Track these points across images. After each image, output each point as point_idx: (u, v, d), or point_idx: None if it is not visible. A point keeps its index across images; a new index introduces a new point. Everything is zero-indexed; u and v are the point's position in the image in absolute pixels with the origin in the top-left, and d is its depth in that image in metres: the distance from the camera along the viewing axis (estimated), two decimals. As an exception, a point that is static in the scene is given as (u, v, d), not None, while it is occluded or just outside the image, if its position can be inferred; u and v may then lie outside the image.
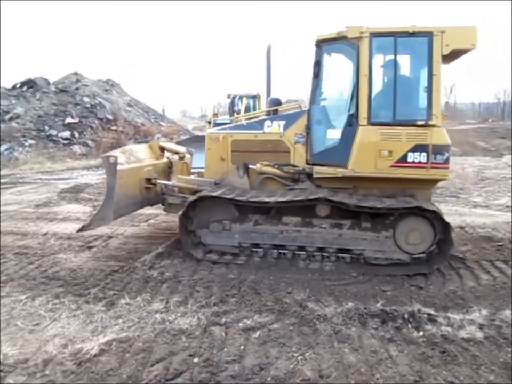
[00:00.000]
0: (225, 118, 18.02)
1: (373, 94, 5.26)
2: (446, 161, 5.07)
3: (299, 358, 3.28)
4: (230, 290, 4.52)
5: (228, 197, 5.34)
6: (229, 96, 18.94)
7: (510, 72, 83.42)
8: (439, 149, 5.07)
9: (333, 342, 3.51)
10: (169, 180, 6.44)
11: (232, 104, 18.41)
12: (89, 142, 22.19)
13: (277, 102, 6.33)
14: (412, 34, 5.10)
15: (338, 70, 5.72)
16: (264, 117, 6.17)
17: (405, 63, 5.46)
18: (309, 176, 5.64)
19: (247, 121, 6.25)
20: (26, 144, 21.85)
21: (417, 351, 3.38)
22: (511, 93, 53.02)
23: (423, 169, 5.10)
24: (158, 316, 3.93)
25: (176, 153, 6.95)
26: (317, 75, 5.45)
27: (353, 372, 3.11)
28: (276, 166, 5.73)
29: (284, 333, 3.66)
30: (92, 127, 23.88)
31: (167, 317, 3.92)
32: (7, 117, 23.76)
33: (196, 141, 15.22)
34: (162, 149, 6.72)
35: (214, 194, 5.40)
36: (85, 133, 23.31)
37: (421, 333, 3.65)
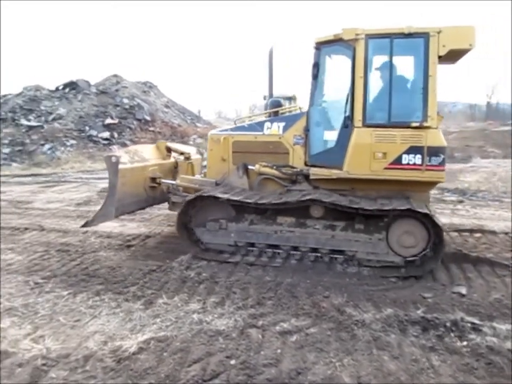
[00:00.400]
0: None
1: (368, 96, 5.28)
2: (442, 163, 5.02)
3: (337, 364, 3.23)
4: (266, 292, 4.50)
5: (222, 196, 5.43)
6: (264, 98, 18.96)
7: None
8: (434, 151, 5.01)
9: (371, 349, 3.43)
10: (175, 179, 6.54)
11: (266, 104, 18.45)
12: (128, 143, 22.64)
13: (277, 104, 6.47)
14: (408, 35, 5.07)
15: (337, 71, 5.69)
16: (264, 119, 6.24)
17: (401, 64, 5.38)
18: (306, 177, 5.67)
19: (248, 122, 6.36)
20: (68, 144, 22.53)
21: (460, 361, 3.26)
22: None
23: (418, 171, 5.06)
24: (195, 316, 3.96)
25: (182, 153, 7.08)
26: (315, 77, 5.48)
27: (393, 380, 3.03)
28: (274, 167, 5.79)
29: (321, 337, 3.61)
30: (130, 128, 24.41)
31: (204, 317, 3.94)
32: (50, 117, 24.59)
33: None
34: (169, 149, 6.85)
35: (210, 194, 5.53)
36: (123, 133, 23.85)
37: (465, 343, 3.53)
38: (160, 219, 8.06)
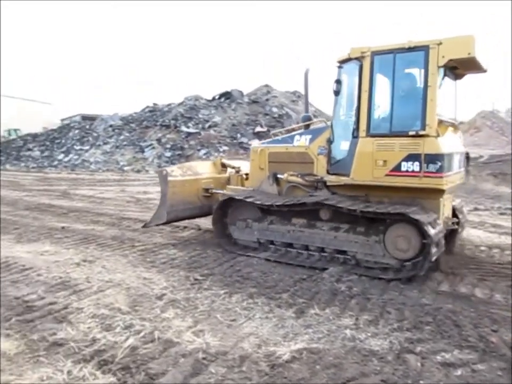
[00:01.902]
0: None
1: (372, 108, 5.58)
2: (439, 170, 5.12)
3: (512, 410, 2.84)
4: (423, 316, 4.19)
5: (243, 198, 6.36)
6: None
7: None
8: (431, 158, 5.15)
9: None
10: None
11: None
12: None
13: (308, 118, 6.98)
14: (410, 49, 5.33)
15: (353, 87, 5.93)
16: (295, 132, 6.85)
17: (403, 77, 5.63)
18: (325, 184, 6.12)
19: (282, 136, 7.10)
20: (221, 149, 24.08)
21: None
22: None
23: (416, 178, 5.24)
24: (347, 332, 3.84)
25: (233, 168, 7.93)
26: (337, 93, 5.90)
27: None
28: (299, 176, 6.39)
29: (490, 377, 3.21)
30: (278, 136, 25.18)
31: (357, 334, 3.80)
32: (206, 125, 26.57)
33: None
34: (224, 165, 7.95)
35: (237, 197, 6.50)
36: (271, 141, 24.68)
37: None
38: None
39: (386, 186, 5.48)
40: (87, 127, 31.10)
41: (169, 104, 31.08)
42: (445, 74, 5.44)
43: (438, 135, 5.18)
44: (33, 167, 25.46)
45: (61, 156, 27.18)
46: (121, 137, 27.51)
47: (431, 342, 3.71)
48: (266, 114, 27.89)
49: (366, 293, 4.75)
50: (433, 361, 3.41)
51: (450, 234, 6.17)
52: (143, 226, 7.32)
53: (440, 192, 5.39)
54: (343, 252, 5.70)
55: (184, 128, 26.20)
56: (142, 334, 3.75)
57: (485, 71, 5.81)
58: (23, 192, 13.96)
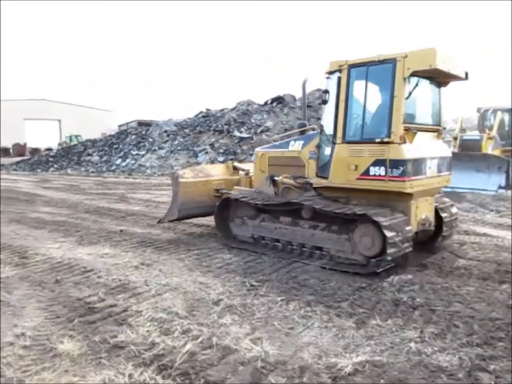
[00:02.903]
0: (474, 133, 16.41)
1: (348, 117, 6.03)
2: (402, 174, 5.49)
3: None
4: (495, 332, 3.91)
5: (237, 197, 7.15)
6: (479, 110, 17.22)
7: None
8: (395, 163, 5.54)
9: None
10: None
11: (483, 118, 16.66)
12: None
13: (303, 125, 7.51)
14: (380, 62, 5.77)
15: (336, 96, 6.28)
16: (291, 138, 7.36)
17: (374, 88, 6.03)
18: (313, 186, 6.57)
19: (280, 141, 7.60)
20: (273, 154, 24.00)
21: None
22: None
23: (382, 182, 5.66)
24: (412, 345, 3.64)
25: (243, 170, 8.43)
26: (325, 102, 6.37)
27: None
28: (291, 178, 6.92)
29: None
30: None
31: (423, 348, 3.59)
32: (258, 129, 26.63)
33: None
34: (235, 168, 8.52)
35: (233, 197, 7.27)
36: (324, 145, 24.40)
37: None
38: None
39: (358, 189, 5.95)
40: (143, 132, 31.99)
41: (222, 110, 31.44)
42: (416, 84, 5.84)
43: (403, 142, 5.56)
44: (92, 172, 26.49)
45: (118, 161, 28.10)
46: (176, 142, 28.09)
47: (505, 359, 3.45)
48: (319, 119, 27.61)
49: (430, 304, 4.51)
50: (508, 380, 3.16)
51: (435, 234, 6.59)
52: (158, 222, 8.09)
53: (408, 195, 5.69)
54: (320, 248, 6.14)
55: (236, 133, 26.40)
56: (200, 339, 3.73)
57: (463, 79, 6.19)
58: (83, 195, 14.52)
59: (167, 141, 28.73)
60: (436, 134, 6.40)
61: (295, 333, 3.91)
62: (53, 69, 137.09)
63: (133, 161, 27.21)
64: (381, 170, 5.66)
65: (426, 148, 6.00)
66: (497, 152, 14.18)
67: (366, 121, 5.98)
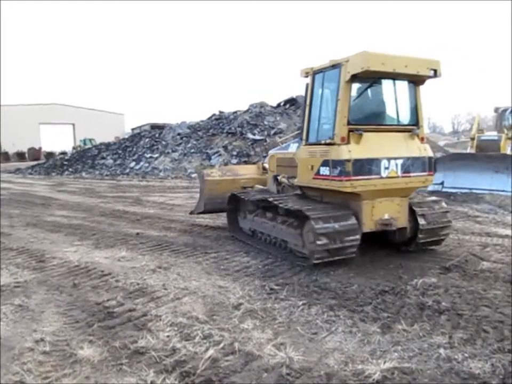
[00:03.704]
0: (492, 134, 16.16)
1: (311, 120, 6.43)
2: (340, 174, 5.70)
3: None
4: (526, 337, 3.77)
5: (234, 193, 7.83)
6: (496, 110, 16.96)
7: None
8: (335, 163, 5.78)
9: None
10: None
11: (501, 118, 16.38)
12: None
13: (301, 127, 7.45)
14: (332, 67, 6.04)
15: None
16: (292, 140, 7.86)
17: (328, 92, 6.31)
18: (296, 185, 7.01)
19: (286, 143, 8.05)
20: (287, 156, 23.88)
21: None
22: None
23: (327, 181, 5.95)
24: (441, 351, 3.52)
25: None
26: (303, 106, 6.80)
27: None
28: (286, 177, 7.29)
29: None
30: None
31: (452, 354, 3.47)
32: (272, 131, 26.54)
33: (454, 159, 14.09)
34: (264, 168, 8.88)
35: (235, 193, 7.81)
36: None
37: None
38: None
39: (317, 188, 6.33)
40: (156, 135, 32.06)
41: (235, 112, 31.38)
42: (370, 86, 6.15)
43: (346, 143, 5.72)
44: (106, 175, 26.59)
45: (132, 164, 28.18)
46: (189, 145, 28.09)
47: (540, 367, 3.31)
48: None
49: (457, 309, 4.37)
50: (544, 388, 3.03)
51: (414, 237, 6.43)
52: (190, 213, 9.34)
53: (356, 195, 5.83)
54: (285, 241, 6.57)
55: (250, 135, 26.32)
56: (221, 345, 3.65)
57: (428, 77, 6.07)
58: (98, 199, 14.54)
59: (180, 143, 28.76)
60: (408, 134, 6.19)
61: (319, 338, 3.80)
62: (66, 74, 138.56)
63: (146, 164, 27.27)
64: (326, 170, 5.95)
65: (383, 148, 5.89)
66: (516, 153, 13.94)
67: (320, 124, 6.29)
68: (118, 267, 5.99)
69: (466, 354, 3.48)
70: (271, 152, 8.40)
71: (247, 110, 30.32)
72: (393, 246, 6.60)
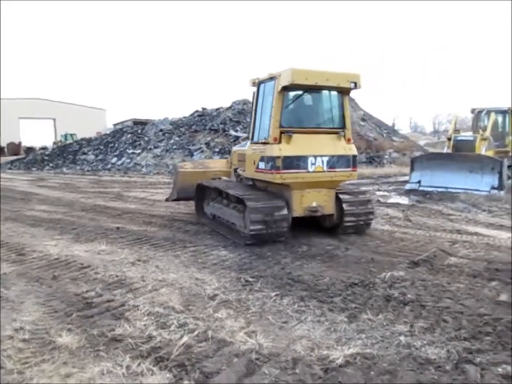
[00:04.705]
0: (467, 134, 16.54)
1: (255, 122, 7.63)
2: (272, 168, 6.81)
3: None
4: (482, 326, 4.02)
5: (199, 183, 8.96)
6: (473, 111, 17.36)
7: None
8: (269, 159, 6.93)
9: None
10: None
11: (477, 119, 16.80)
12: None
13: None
14: (270, 79, 7.21)
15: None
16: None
17: (266, 100, 7.34)
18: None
19: (244, 141, 8.98)
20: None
21: None
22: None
23: (263, 174, 7.16)
24: (402, 338, 3.75)
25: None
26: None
27: None
28: (242, 170, 8.29)
29: (557, 391, 3.05)
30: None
31: (412, 341, 3.70)
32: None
33: (431, 159, 14.45)
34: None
35: (201, 183, 8.88)
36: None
37: None
38: (376, 233, 7.99)
39: (258, 179, 7.58)
40: (139, 131, 31.98)
41: (218, 109, 31.48)
42: (301, 95, 7.26)
43: (277, 142, 6.82)
44: (88, 170, 26.47)
45: (114, 160, 28.09)
46: (171, 141, 28.12)
47: (492, 353, 3.56)
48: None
49: (421, 300, 4.62)
50: (494, 373, 3.27)
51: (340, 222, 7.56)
52: (166, 200, 10.58)
53: (287, 185, 6.98)
54: (234, 224, 7.46)
55: (232, 132, 26.48)
56: (196, 332, 3.82)
57: (352, 88, 7.15)
58: (79, 194, 14.54)
59: (162, 139, 28.75)
60: (335, 135, 7.25)
61: (288, 327, 4.01)
62: (47, 68, 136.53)
63: (128, 160, 27.21)
64: (263, 165, 7.10)
65: (310, 147, 6.97)
66: (490, 153, 14.34)
67: (261, 126, 7.41)
68: (97, 260, 6.11)
69: (425, 342, 3.71)
70: (234, 148, 9.67)
71: (230, 107, 30.43)
72: (325, 230, 7.77)
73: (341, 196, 7.47)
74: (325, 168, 7.01)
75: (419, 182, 14.00)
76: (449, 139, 16.00)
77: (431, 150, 28.22)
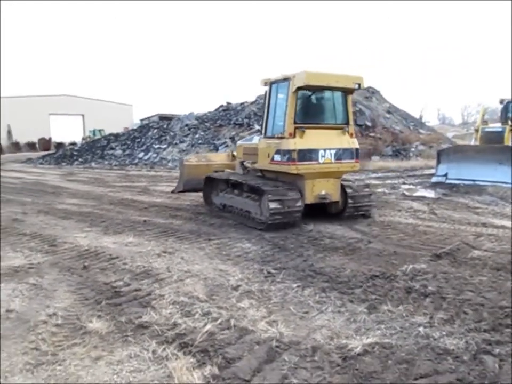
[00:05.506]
0: (496, 125, 16.21)
1: (268, 118, 8.29)
2: (288, 159, 7.51)
3: None
4: (503, 319, 4.03)
5: (209, 175, 9.64)
6: (502, 101, 16.96)
7: None
8: (284, 152, 7.62)
9: None
10: None
11: (506, 110, 16.40)
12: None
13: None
14: (284, 80, 7.89)
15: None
16: (258, 133, 9.88)
17: (281, 98, 8.03)
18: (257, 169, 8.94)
19: (251, 136, 9.99)
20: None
21: None
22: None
23: (279, 165, 7.83)
24: (421, 329, 3.80)
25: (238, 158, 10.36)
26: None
27: None
28: (250, 163, 9.07)
29: None
30: (351, 134, 24.79)
31: (431, 332, 3.75)
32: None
33: (458, 151, 14.21)
34: (233, 156, 10.50)
35: (210, 175, 9.61)
36: (344, 139, 24.36)
37: None
38: (388, 227, 8.00)
39: (273, 171, 8.17)
40: (165, 126, 32.42)
41: (242, 103, 31.63)
42: (312, 95, 8.06)
43: (293, 137, 7.55)
44: (115, 165, 27.02)
45: (140, 154, 28.58)
46: (197, 135, 28.43)
47: (510, 344, 3.57)
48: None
49: (442, 292, 4.65)
50: (512, 363, 3.30)
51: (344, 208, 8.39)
52: (172, 192, 11.26)
53: (300, 176, 7.69)
54: (248, 212, 8.21)
55: (257, 126, 26.59)
56: (219, 321, 3.96)
57: (356, 89, 8.04)
58: (107, 188, 14.92)
59: (188, 134, 29.09)
60: (340, 130, 8.08)
61: (309, 317, 4.11)
62: (76, 65, 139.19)
63: (154, 155, 27.66)
64: (279, 157, 7.77)
65: (320, 141, 7.75)
66: (520, 145, 14.01)
67: (275, 122, 8.09)
68: (125, 251, 6.33)
69: (444, 333, 3.75)
70: (238, 142, 10.50)
71: (255, 101, 30.51)
72: (332, 216, 8.50)
73: (344, 183, 8.39)
74: (333, 160, 7.82)
75: (445, 174, 13.79)
76: (476, 131, 15.70)
77: (459, 142, 27.65)
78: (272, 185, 7.85)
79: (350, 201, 8.28)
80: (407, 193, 12.39)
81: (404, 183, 14.58)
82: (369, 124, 25.74)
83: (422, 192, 12.59)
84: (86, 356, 3.38)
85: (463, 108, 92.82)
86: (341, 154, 7.93)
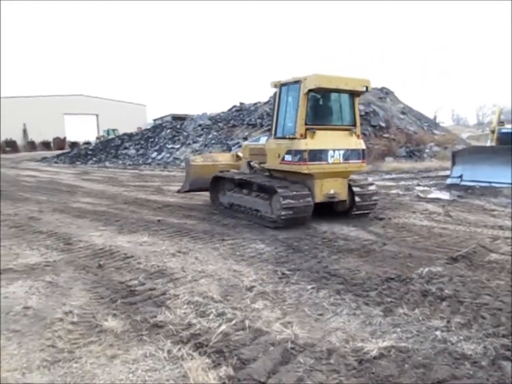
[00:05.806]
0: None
1: (278, 119, 8.40)
2: (299, 160, 7.66)
3: None
4: (522, 324, 3.97)
5: (217, 175, 9.74)
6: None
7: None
8: (296, 152, 7.76)
9: None
10: None
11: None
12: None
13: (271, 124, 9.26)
14: (295, 82, 8.03)
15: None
16: (263, 134, 10.12)
17: (291, 100, 8.21)
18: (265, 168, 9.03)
19: (257, 136, 10.07)
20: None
21: None
22: None
23: (290, 165, 7.95)
24: (438, 333, 3.75)
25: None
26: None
27: None
28: (258, 163, 9.31)
29: None
30: (364, 134, 24.55)
31: (448, 337, 3.70)
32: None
33: (474, 152, 14.03)
34: (238, 156, 10.75)
35: (217, 175, 9.74)
36: (358, 140, 24.20)
37: None
38: (403, 229, 7.94)
39: (288, 171, 8.15)
40: (178, 126, 32.56)
41: (255, 104, 31.63)
42: (322, 97, 8.25)
43: (303, 138, 7.69)
44: (129, 165, 27.20)
45: (154, 154, 28.74)
46: (210, 136, 28.51)
47: (531, 350, 3.52)
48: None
49: (458, 296, 4.59)
50: (532, 369, 3.24)
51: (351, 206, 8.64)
52: (177, 192, 11.46)
53: (310, 175, 7.85)
54: (258, 210, 8.45)
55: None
56: (233, 321, 3.96)
57: (364, 92, 8.31)
58: (121, 187, 15.02)
59: (201, 134, 29.18)
60: (347, 132, 8.29)
61: (324, 319, 4.08)
62: (91, 66, 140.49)
63: (168, 155, 27.79)
64: (290, 157, 7.89)
65: (330, 142, 7.94)
66: (537, 146, 13.78)
67: (285, 123, 8.23)
68: (140, 251, 6.36)
69: (461, 337, 3.70)
70: (244, 143, 10.88)
71: (268, 102, 30.46)
72: (339, 214, 8.77)
73: (351, 183, 8.60)
74: (341, 160, 8.04)
75: (461, 176, 13.63)
76: (492, 132, 15.50)
77: (474, 143, 27.34)
78: (283, 184, 8.00)
79: (357, 199, 8.50)
80: (421, 194, 12.29)
81: (418, 185, 14.45)
82: (383, 124, 25.53)
83: (436, 194, 12.47)
84: (101, 354, 3.40)
85: (478, 108, 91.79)
86: (349, 154, 8.14)
